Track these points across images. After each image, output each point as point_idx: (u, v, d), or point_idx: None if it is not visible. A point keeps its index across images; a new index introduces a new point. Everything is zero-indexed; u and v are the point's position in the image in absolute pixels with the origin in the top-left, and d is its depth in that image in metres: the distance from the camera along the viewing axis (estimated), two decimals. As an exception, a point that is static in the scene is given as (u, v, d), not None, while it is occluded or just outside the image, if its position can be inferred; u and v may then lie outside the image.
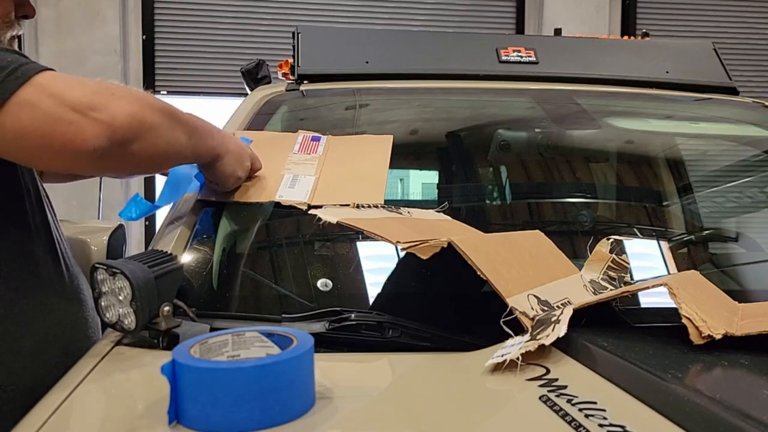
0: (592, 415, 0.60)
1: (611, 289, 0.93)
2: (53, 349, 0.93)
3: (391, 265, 1.10)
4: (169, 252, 0.88)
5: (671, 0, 4.65)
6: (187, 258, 1.02)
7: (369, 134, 1.38)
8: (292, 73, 1.70)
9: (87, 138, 0.76)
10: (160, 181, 1.16)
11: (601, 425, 0.58)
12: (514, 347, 0.73)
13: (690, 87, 1.78)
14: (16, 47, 0.90)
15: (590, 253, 1.01)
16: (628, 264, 1.00)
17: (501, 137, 1.64)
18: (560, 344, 0.73)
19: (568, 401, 0.63)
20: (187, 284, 0.95)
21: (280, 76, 1.93)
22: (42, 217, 1.01)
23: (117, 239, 1.36)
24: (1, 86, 0.75)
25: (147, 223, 4.05)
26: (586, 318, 0.80)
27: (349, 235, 1.16)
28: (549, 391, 0.65)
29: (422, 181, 1.83)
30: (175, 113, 0.89)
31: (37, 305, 0.94)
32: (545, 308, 0.81)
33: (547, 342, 0.72)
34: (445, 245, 0.83)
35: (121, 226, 1.40)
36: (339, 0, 4.35)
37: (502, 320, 0.77)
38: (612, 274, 0.98)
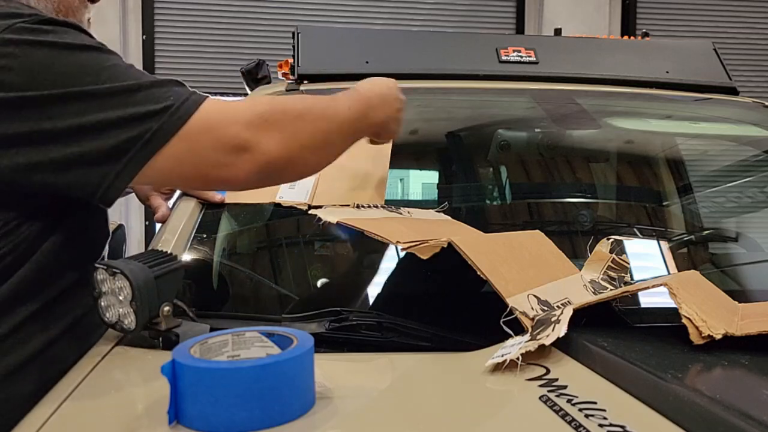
0: (592, 415, 0.60)
1: (611, 289, 0.93)
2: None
3: (391, 265, 1.10)
4: (169, 252, 0.88)
5: (671, 0, 4.65)
6: (187, 258, 1.03)
7: None
8: (292, 73, 1.70)
9: (240, 176, 0.83)
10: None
11: (601, 425, 0.58)
12: (514, 347, 0.73)
13: (690, 87, 1.78)
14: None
15: (590, 253, 1.01)
16: (628, 264, 1.00)
17: (501, 137, 1.64)
18: (560, 344, 0.73)
19: (568, 401, 0.63)
20: (187, 284, 0.95)
21: (280, 76, 1.93)
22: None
23: (117, 239, 1.36)
24: (165, 125, 0.78)
25: (147, 223, 4.05)
26: (586, 318, 0.80)
27: (349, 236, 1.16)
28: (549, 391, 0.65)
29: (422, 181, 1.83)
30: (323, 125, 0.89)
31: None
32: (545, 308, 0.81)
33: (547, 342, 0.72)
34: (445, 245, 0.83)
35: (121, 226, 1.40)
36: (339, 0, 4.35)
37: (502, 320, 0.77)
38: (612, 274, 0.98)
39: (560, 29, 2.24)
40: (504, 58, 1.75)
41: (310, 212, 1.01)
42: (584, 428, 0.58)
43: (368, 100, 0.97)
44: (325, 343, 0.83)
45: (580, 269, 0.99)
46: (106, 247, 0.97)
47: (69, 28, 0.81)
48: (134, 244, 3.89)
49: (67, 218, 0.85)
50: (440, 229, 0.99)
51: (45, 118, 0.75)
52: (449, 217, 1.09)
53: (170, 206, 1.16)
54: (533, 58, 1.76)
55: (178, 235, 1.05)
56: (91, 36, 0.84)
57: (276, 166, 0.84)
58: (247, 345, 0.69)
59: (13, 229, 0.80)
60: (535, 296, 0.83)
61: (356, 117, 0.93)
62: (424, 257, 0.83)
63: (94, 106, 0.77)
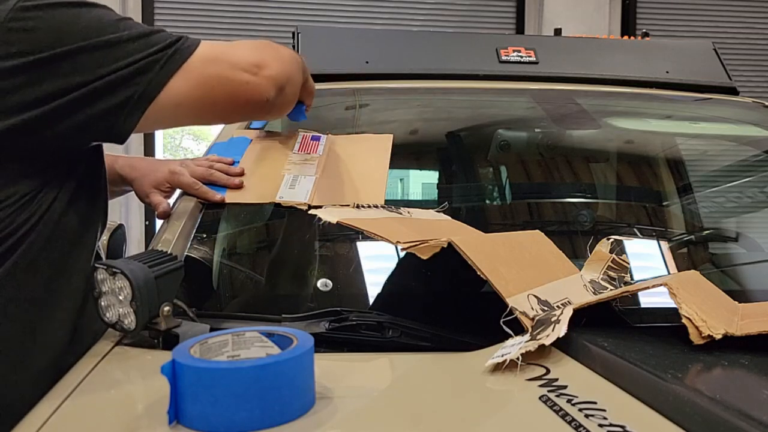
0: (592, 415, 0.60)
1: (611, 289, 0.93)
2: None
3: (391, 265, 1.10)
4: (169, 252, 0.88)
5: (671, 0, 4.65)
6: (187, 258, 1.02)
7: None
8: (292, 73, 1.70)
9: (262, 92, 0.94)
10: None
11: (601, 425, 0.58)
12: (514, 347, 0.73)
13: (690, 87, 1.78)
14: None
15: (590, 253, 1.01)
16: (628, 264, 1.00)
17: (501, 137, 1.64)
18: (560, 344, 0.73)
19: (568, 401, 0.63)
20: (187, 284, 0.95)
21: (280, 76, 1.93)
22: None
23: (117, 239, 1.36)
24: (179, 52, 0.87)
25: (147, 222, 4.05)
26: (586, 318, 0.80)
27: (349, 235, 1.16)
28: (549, 391, 0.65)
29: (422, 181, 1.83)
30: (291, 54, 1.04)
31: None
32: (545, 308, 0.81)
33: (547, 342, 0.72)
34: (445, 245, 0.83)
35: (121, 226, 1.40)
36: (339, 0, 4.35)
37: (502, 320, 0.77)
38: (612, 274, 0.98)
39: (560, 29, 2.25)
40: (504, 58, 1.75)
41: (310, 212, 1.01)
42: (584, 428, 0.58)
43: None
44: (325, 343, 0.83)
45: (580, 269, 0.99)
46: (104, 233, 1.00)
47: None
48: (134, 244, 3.89)
49: (73, 191, 0.89)
50: (440, 229, 0.99)
51: (77, 69, 0.81)
52: (449, 217, 1.09)
53: (170, 203, 1.16)
54: (533, 58, 1.76)
55: (178, 235, 1.05)
56: None
57: (282, 81, 0.97)
58: (247, 345, 0.69)
59: (28, 202, 0.83)
60: (535, 296, 0.83)
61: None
62: (424, 257, 0.83)
63: (121, 52, 0.83)
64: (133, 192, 1.23)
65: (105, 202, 0.99)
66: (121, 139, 0.87)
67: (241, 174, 1.13)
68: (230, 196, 1.12)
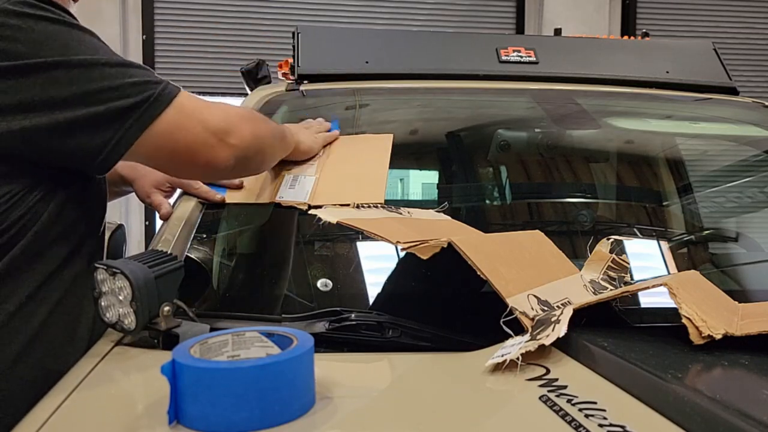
0: (592, 415, 0.60)
1: (611, 289, 0.93)
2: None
3: (391, 265, 1.10)
4: (169, 252, 0.88)
5: (671, 0, 4.65)
6: (187, 258, 1.02)
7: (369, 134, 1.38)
8: (292, 73, 1.70)
9: (223, 158, 0.92)
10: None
11: (601, 425, 0.58)
12: (514, 347, 0.73)
13: (690, 87, 1.78)
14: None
15: (590, 253, 1.01)
16: (628, 264, 1.00)
17: (501, 137, 1.64)
18: (560, 344, 0.73)
19: (568, 401, 0.63)
20: (187, 284, 0.95)
21: (280, 76, 1.93)
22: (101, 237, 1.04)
23: (117, 239, 1.36)
24: (162, 95, 0.86)
25: (147, 223, 4.05)
26: (586, 318, 0.80)
27: (349, 235, 1.16)
28: (549, 391, 0.65)
29: (422, 181, 1.83)
30: (274, 129, 1.06)
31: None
32: (545, 308, 0.81)
33: (547, 342, 0.72)
34: (445, 245, 0.83)
35: (121, 226, 1.40)
36: (339, 0, 4.35)
37: (502, 320, 0.77)
38: (612, 274, 0.98)
39: (560, 29, 2.24)
40: (504, 58, 1.75)
41: (310, 212, 1.01)
42: (584, 428, 0.58)
43: (296, 135, 1.16)
44: (325, 343, 0.83)
45: (580, 269, 0.99)
46: (105, 220, 1.00)
47: (63, 12, 0.85)
48: (134, 244, 3.89)
49: (67, 189, 0.89)
50: (440, 229, 0.99)
51: (51, 83, 0.80)
52: (449, 217, 1.09)
53: (171, 204, 1.16)
54: (533, 58, 1.76)
55: (178, 235, 1.05)
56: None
57: (249, 152, 0.96)
58: (247, 345, 0.69)
59: (20, 200, 0.83)
60: (535, 296, 0.83)
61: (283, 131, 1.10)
62: (424, 257, 0.83)
63: (96, 73, 0.83)
64: (133, 193, 1.23)
65: (103, 201, 0.99)
66: (101, 172, 0.88)
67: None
68: (230, 196, 1.12)
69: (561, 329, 0.72)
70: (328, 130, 1.27)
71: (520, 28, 4.48)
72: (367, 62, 1.71)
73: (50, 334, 0.86)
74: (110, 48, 0.88)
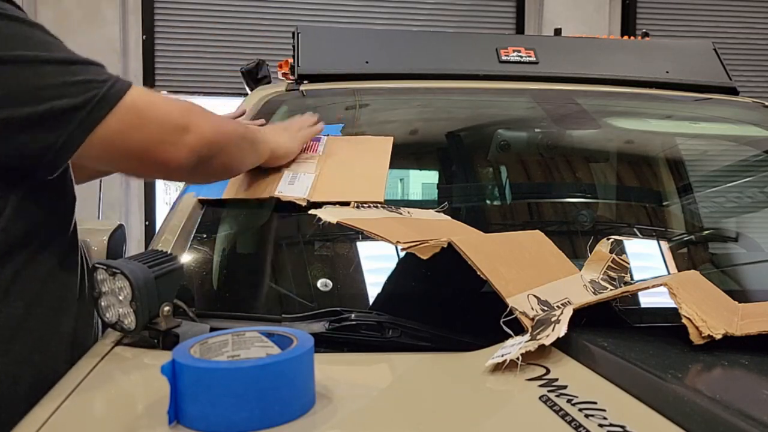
0: (592, 415, 0.60)
1: (611, 289, 0.93)
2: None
3: (391, 265, 1.10)
4: (169, 252, 0.88)
5: (671, 0, 4.65)
6: (187, 258, 1.03)
7: (369, 135, 1.38)
8: (292, 73, 1.70)
9: (181, 156, 0.86)
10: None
11: (601, 425, 0.58)
12: (514, 347, 0.73)
13: (690, 87, 1.78)
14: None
15: (590, 253, 1.01)
16: (628, 264, 1.00)
17: (501, 137, 1.64)
18: (560, 344, 0.73)
19: (568, 401, 0.63)
20: (187, 284, 0.95)
21: (280, 76, 1.93)
22: (76, 239, 1.00)
23: (117, 239, 1.36)
24: (110, 94, 0.81)
25: (147, 223, 4.05)
26: (586, 318, 0.80)
27: (349, 235, 1.16)
28: (549, 391, 0.65)
29: (422, 181, 1.82)
30: (242, 130, 1.01)
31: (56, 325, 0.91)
32: (545, 308, 0.81)
33: (547, 342, 0.72)
34: (445, 245, 0.83)
35: (121, 226, 1.40)
36: (339, 0, 4.35)
37: (502, 320, 0.77)
38: (612, 274, 0.98)
39: (560, 29, 2.25)
40: (504, 58, 1.75)
41: (309, 212, 1.01)
42: (584, 428, 0.58)
43: (274, 140, 1.11)
44: (325, 343, 0.83)
45: (580, 269, 0.99)
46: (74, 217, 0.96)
47: (14, 6, 0.82)
48: (134, 244, 3.89)
49: (25, 187, 0.84)
50: (440, 229, 0.99)
51: None
52: (449, 217, 1.09)
53: (172, 204, 1.16)
54: (533, 58, 1.76)
55: (178, 235, 1.05)
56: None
57: (210, 151, 0.90)
58: (247, 345, 0.69)
59: None
60: (535, 296, 0.83)
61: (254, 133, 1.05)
62: (424, 257, 0.83)
63: (38, 71, 0.78)
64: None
65: (68, 196, 0.94)
66: (48, 175, 0.83)
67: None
68: (229, 192, 1.12)
69: (561, 329, 0.72)
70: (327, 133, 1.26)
71: (520, 28, 4.48)
72: (367, 62, 1.71)
73: (32, 328, 0.84)
74: (61, 43, 0.84)
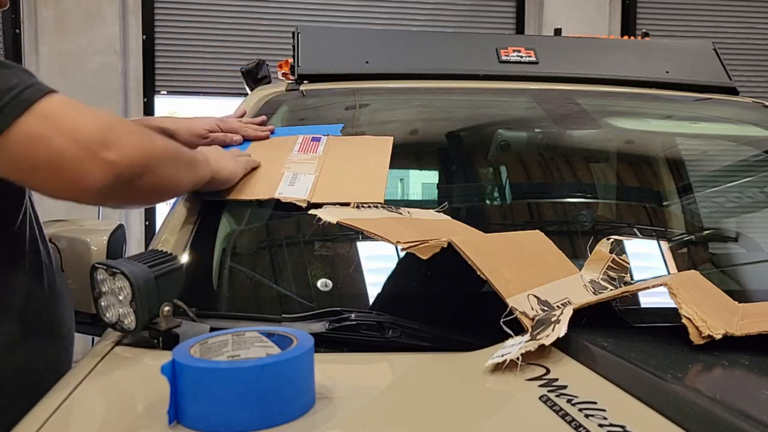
0: (592, 415, 0.60)
1: (611, 289, 0.93)
2: (16, 386, 0.90)
3: (391, 265, 1.10)
4: (169, 252, 0.88)
5: (671, 0, 4.65)
6: (187, 258, 1.02)
7: (369, 135, 1.38)
8: (292, 73, 1.70)
9: (96, 176, 0.77)
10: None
11: (601, 425, 0.58)
12: (514, 347, 0.73)
13: (690, 87, 1.78)
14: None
15: (590, 253, 1.01)
16: (628, 264, 1.00)
17: (501, 137, 1.64)
18: (560, 344, 0.73)
19: (568, 401, 0.63)
20: (187, 284, 0.95)
21: (280, 76, 1.93)
22: (31, 237, 0.98)
23: (117, 239, 1.35)
24: (6, 110, 0.75)
25: (147, 223, 4.05)
26: (586, 318, 0.80)
27: (349, 235, 1.16)
28: (549, 391, 0.65)
29: (422, 181, 1.83)
30: (174, 149, 0.92)
31: (8, 340, 0.91)
32: (545, 308, 0.81)
33: (547, 342, 0.72)
34: (445, 245, 0.83)
35: (121, 226, 1.40)
36: (339, 0, 4.35)
37: (502, 320, 0.77)
38: (612, 274, 0.98)
39: (560, 29, 2.25)
40: (504, 58, 1.75)
41: (310, 212, 1.01)
42: (584, 428, 0.58)
43: (217, 166, 1.03)
44: (325, 343, 0.83)
45: (580, 269, 0.99)
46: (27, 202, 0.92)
47: None
48: (134, 244, 3.89)
49: None
50: (440, 229, 0.98)
51: None
52: (449, 217, 1.08)
53: (171, 206, 1.16)
54: (533, 58, 1.76)
55: (178, 235, 1.05)
56: None
57: (133, 172, 0.81)
58: (247, 345, 0.69)
59: None
60: (535, 296, 0.83)
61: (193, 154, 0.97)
62: (424, 257, 0.83)
63: None
64: None
65: (7, 190, 0.90)
66: None
67: (271, 131, 1.25)
68: (230, 192, 1.11)
69: (561, 329, 0.72)
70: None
71: (520, 28, 4.48)
72: (367, 62, 1.71)
73: None
74: None
